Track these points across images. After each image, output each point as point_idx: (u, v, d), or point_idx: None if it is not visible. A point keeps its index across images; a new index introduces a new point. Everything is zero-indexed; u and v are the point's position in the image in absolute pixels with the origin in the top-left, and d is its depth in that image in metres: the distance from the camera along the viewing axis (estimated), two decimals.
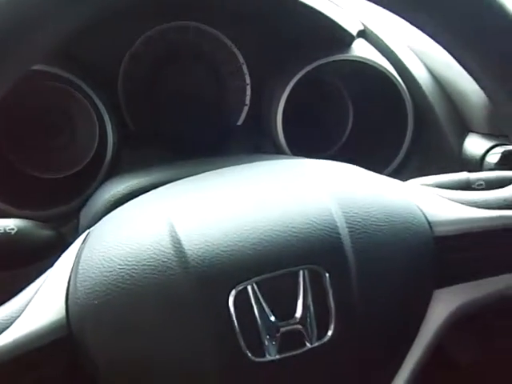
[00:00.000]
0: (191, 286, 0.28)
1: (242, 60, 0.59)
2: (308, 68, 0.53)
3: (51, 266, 0.33)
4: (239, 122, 0.61)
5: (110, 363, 0.29)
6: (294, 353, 0.28)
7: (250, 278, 0.28)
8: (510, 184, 0.38)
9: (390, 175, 0.37)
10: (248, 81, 0.60)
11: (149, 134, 0.56)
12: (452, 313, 0.33)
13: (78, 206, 0.48)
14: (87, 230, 0.34)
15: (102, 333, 0.29)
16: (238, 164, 0.38)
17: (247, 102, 0.60)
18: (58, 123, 0.55)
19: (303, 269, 0.29)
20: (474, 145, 0.53)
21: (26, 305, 0.30)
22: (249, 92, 0.60)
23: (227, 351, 0.28)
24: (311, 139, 0.58)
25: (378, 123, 0.56)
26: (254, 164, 0.36)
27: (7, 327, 0.29)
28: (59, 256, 0.34)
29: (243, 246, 0.29)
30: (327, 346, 0.29)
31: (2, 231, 0.37)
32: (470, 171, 0.45)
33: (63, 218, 0.47)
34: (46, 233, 0.39)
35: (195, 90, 0.59)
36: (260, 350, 0.28)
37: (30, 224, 0.38)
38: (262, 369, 0.28)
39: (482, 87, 0.35)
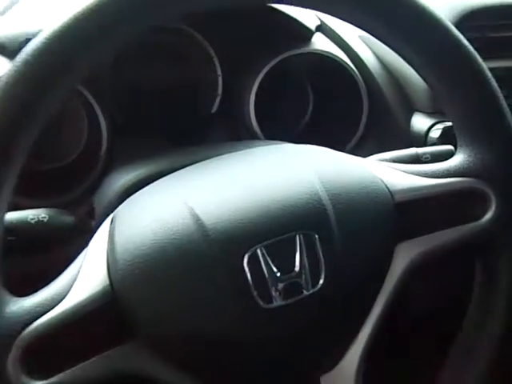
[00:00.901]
0: (213, 253, 0.36)
1: (213, 54, 0.65)
2: (274, 61, 0.61)
3: (81, 247, 0.40)
4: (213, 110, 0.67)
5: (150, 320, 0.36)
6: (295, 299, 0.37)
7: (259, 243, 0.36)
8: (451, 156, 0.47)
9: (348, 153, 0.46)
10: (219, 72, 0.66)
11: (134, 126, 0.62)
12: (411, 261, 0.42)
13: (82, 193, 0.54)
14: (112, 214, 0.41)
15: (142, 295, 0.36)
16: (234, 151, 0.46)
17: (219, 91, 0.67)
18: None
19: (299, 234, 0.37)
20: (419, 123, 0.62)
21: (75, 279, 0.36)
22: (220, 82, 0.66)
23: (243, 301, 0.36)
24: (279, 124, 0.65)
25: (337, 108, 0.65)
26: (251, 150, 0.44)
27: (63, 298, 0.35)
28: (85, 238, 0.41)
29: (252, 218, 0.37)
30: (320, 292, 0.37)
31: (36, 220, 0.43)
32: (416, 147, 0.54)
33: (71, 205, 0.52)
34: (71, 218, 0.45)
35: (172, 83, 0.65)
36: (268, 299, 0.36)
37: (56, 211, 0.44)
38: (270, 314, 0.36)
39: (420, 75, 0.44)
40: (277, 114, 0.66)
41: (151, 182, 0.44)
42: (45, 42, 0.33)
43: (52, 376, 0.34)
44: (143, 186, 0.43)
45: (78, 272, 0.37)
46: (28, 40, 0.52)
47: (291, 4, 0.41)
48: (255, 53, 0.63)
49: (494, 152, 0.42)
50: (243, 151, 0.44)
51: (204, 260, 0.36)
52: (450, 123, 0.59)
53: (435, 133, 0.59)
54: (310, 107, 0.69)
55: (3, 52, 0.53)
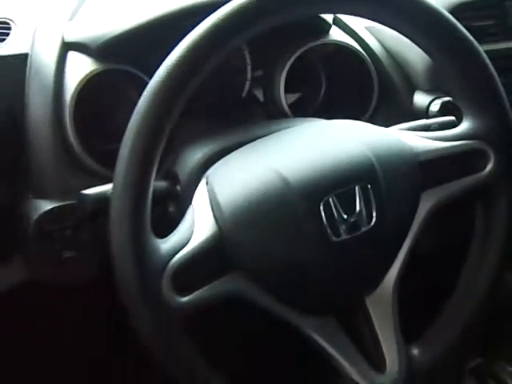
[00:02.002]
0: (296, 201, 0.49)
1: (244, 47, 0.76)
2: (300, 51, 0.73)
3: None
4: (243, 95, 0.79)
5: (249, 254, 0.48)
6: (355, 234, 0.50)
7: (331, 193, 0.49)
8: (453, 125, 0.60)
9: None
10: (249, 61, 0.77)
11: (186, 109, 0.73)
12: (433, 205, 0.55)
13: None
14: (204, 177, 0.53)
15: (243, 237, 0.48)
16: (286, 126, 0.58)
17: (249, 77, 0.78)
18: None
19: (358, 185, 0.50)
20: (420, 99, 0.75)
21: (192, 228, 0.48)
22: (249, 70, 0.78)
23: (320, 236, 0.49)
24: (301, 105, 0.78)
25: (351, 89, 0.77)
26: (310, 124, 0.57)
27: (188, 241, 0.47)
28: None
29: (323, 174, 0.50)
30: (372, 229, 0.50)
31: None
32: (420, 119, 0.67)
33: None
34: (162, 184, 0.57)
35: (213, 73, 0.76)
36: (338, 233, 0.49)
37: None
38: (338, 245, 0.49)
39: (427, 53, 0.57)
40: (299, 97, 0.79)
41: (226, 153, 0.56)
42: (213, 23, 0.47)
43: (191, 294, 0.46)
44: (220, 157, 0.56)
45: (193, 223, 0.49)
46: (109, 40, 0.63)
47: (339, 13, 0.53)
48: (282, 45, 0.75)
49: (491, 119, 0.56)
50: (304, 125, 0.57)
51: (289, 206, 0.49)
52: (446, 98, 0.73)
53: (435, 107, 0.73)
54: (323, 90, 0.81)
55: (87, 52, 0.64)
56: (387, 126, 0.62)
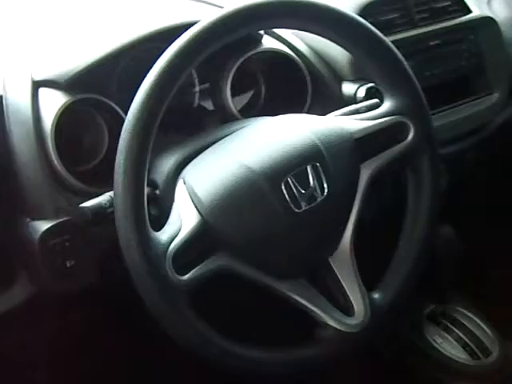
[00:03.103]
0: (263, 185, 0.60)
1: None
2: (240, 61, 0.83)
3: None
4: (195, 105, 0.89)
5: (229, 233, 0.59)
6: (313, 204, 0.61)
7: (289, 174, 0.60)
8: (377, 106, 0.73)
9: None
10: (195, 76, 0.87)
11: None
12: (371, 174, 0.67)
13: None
14: (180, 178, 0.63)
15: (222, 220, 0.59)
16: (242, 126, 0.69)
17: (197, 90, 0.88)
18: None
19: (309, 165, 0.61)
20: (347, 88, 0.87)
21: (180, 220, 0.58)
22: (197, 82, 0.88)
23: (284, 209, 0.60)
24: (249, 106, 0.89)
25: (289, 87, 0.88)
26: (263, 120, 0.68)
27: (179, 230, 0.57)
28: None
29: (281, 160, 0.61)
30: (325, 198, 0.62)
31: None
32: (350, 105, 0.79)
33: None
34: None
35: None
36: (299, 205, 0.60)
37: None
38: (300, 215, 0.60)
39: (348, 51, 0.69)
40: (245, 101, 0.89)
41: (195, 155, 0.66)
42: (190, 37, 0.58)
43: (188, 272, 0.56)
44: (190, 159, 0.66)
45: (179, 216, 0.59)
46: (75, 74, 0.72)
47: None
48: (223, 58, 0.85)
49: (406, 97, 0.69)
50: (257, 123, 0.68)
51: (257, 189, 0.60)
52: (369, 84, 0.85)
53: (361, 93, 0.85)
54: (263, 93, 0.92)
55: (56, 86, 0.72)
56: (324, 115, 0.74)
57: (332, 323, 0.64)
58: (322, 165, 0.62)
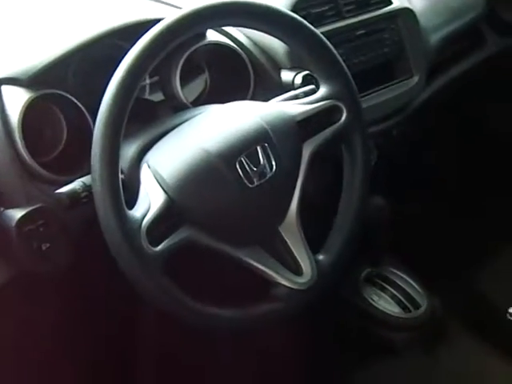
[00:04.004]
0: (219, 165, 0.68)
1: None
2: (187, 53, 0.91)
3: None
4: (145, 96, 0.95)
5: (195, 209, 0.67)
6: (263, 179, 0.70)
7: (242, 154, 0.69)
8: (314, 91, 0.82)
9: None
10: None
11: None
12: (311, 152, 0.77)
13: None
14: (143, 162, 0.70)
15: (185, 196, 0.67)
16: (196, 114, 0.77)
17: (148, 82, 0.95)
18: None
19: (258, 145, 0.70)
20: (286, 75, 0.96)
21: (149, 199, 0.66)
22: (147, 77, 0.94)
23: (239, 184, 0.68)
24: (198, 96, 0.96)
25: (233, 77, 0.97)
26: (216, 108, 0.76)
27: (149, 208, 0.65)
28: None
29: (234, 142, 0.69)
30: (274, 174, 0.71)
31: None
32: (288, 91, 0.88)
33: None
34: None
35: None
36: (252, 181, 0.69)
37: None
38: (253, 190, 0.69)
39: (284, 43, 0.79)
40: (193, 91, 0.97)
41: (155, 141, 0.73)
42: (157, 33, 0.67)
43: (160, 244, 0.64)
44: (151, 145, 0.73)
45: (147, 196, 0.67)
46: (36, 71, 0.77)
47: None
48: (170, 52, 0.91)
49: (338, 83, 0.79)
50: (208, 110, 0.76)
51: (214, 169, 0.68)
52: (305, 72, 0.94)
53: (298, 80, 0.94)
54: (209, 82, 0.99)
55: (19, 83, 0.77)
56: (266, 101, 0.83)
57: (284, 282, 0.74)
58: (270, 145, 0.71)
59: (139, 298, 0.65)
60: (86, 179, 0.72)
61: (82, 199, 0.69)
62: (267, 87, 0.96)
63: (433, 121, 1.28)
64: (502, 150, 1.54)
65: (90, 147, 0.81)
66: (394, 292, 1.17)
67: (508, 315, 0.94)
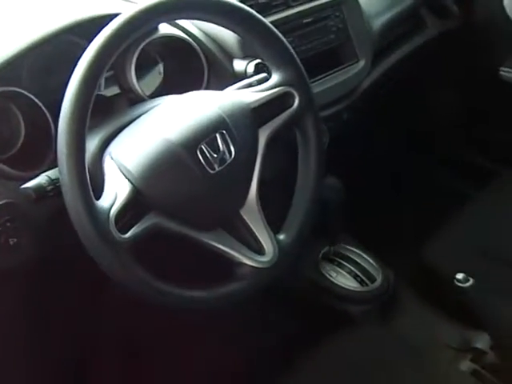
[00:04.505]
0: (181, 153, 0.71)
1: None
2: (141, 46, 0.93)
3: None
4: (101, 91, 0.97)
5: (160, 197, 0.70)
6: (224, 165, 0.74)
7: (202, 141, 0.72)
8: (266, 79, 0.86)
9: None
10: None
11: None
12: (267, 137, 0.81)
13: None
14: (106, 154, 0.73)
15: (152, 185, 0.70)
16: (159, 104, 0.79)
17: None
18: None
19: (217, 133, 0.74)
20: (238, 65, 0.99)
21: (116, 189, 0.68)
22: None
23: (201, 171, 0.72)
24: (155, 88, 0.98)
25: (188, 68, 0.99)
26: (170, 100, 0.78)
27: (116, 197, 0.68)
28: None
29: (194, 131, 0.72)
30: (233, 160, 0.75)
31: None
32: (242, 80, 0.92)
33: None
34: None
35: None
36: (213, 167, 0.73)
37: None
38: (214, 175, 0.73)
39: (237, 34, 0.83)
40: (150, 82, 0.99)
41: (117, 133, 0.76)
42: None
43: (128, 231, 0.67)
44: (113, 137, 0.75)
45: (113, 186, 0.69)
46: None
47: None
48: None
49: (289, 70, 0.83)
50: (167, 101, 0.79)
51: (177, 157, 0.72)
52: (256, 60, 0.98)
53: (250, 68, 0.97)
54: (164, 73, 1.02)
55: None
56: (221, 90, 0.86)
57: (247, 261, 0.78)
58: (228, 132, 0.75)
59: (108, 288, 0.68)
60: (51, 173, 0.73)
61: (49, 193, 0.71)
62: (221, 77, 1.00)
63: (380, 103, 1.34)
64: (442, 128, 1.63)
65: (50, 142, 0.84)
66: (351, 268, 1.23)
67: (455, 281, 1.00)
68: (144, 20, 0.71)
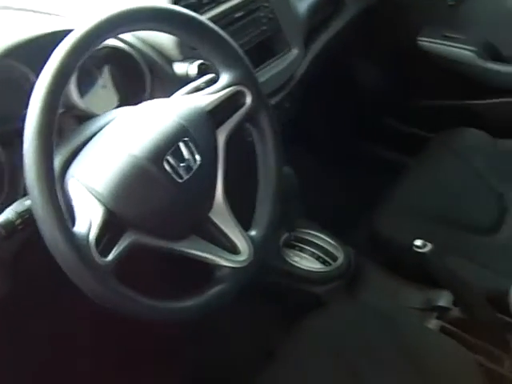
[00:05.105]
0: (148, 166, 0.70)
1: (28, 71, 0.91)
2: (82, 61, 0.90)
3: None
4: None
5: (133, 214, 0.69)
6: (191, 173, 0.74)
7: (167, 152, 0.71)
8: (214, 80, 0.86)
9: None
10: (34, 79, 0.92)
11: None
12: (225, 136, 0.81)
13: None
14: (70, 177, 0.71)
15: (124, 203, 0.69)
16: (111, 119, 0.78)
17: None
18: None
19: (180, 141, 0.73)
20: (179, 68, 0.99)
21: (90, 215, 0.67)
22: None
23: (170, 182, 0.71)
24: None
25: (130, 77, 0.97)
26: (124, 113, 0.77)
27: (92, 222, 0.66)
28: None
29: (158, 142, 0.72)
30: (199, 166, 0.75)
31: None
32: (185, 84, 0.91)
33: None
34: None
35: None
36: (181, 176, 0.73)
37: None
38: (182, 184, 0.73)
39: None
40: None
41: (76, 154, 0.74)
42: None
43: (110, 253, 0.66)
44: (73, 158, 0.74)
45: (86, 210, 0.68)
46: None
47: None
48: None
49: (238, 68, 0.84)
50: (124, 114, 0.77)
51: (144, 171, 0.71)
52: (197, 61, 0.97)
53: (192, 70, 0.97)
54: (108, 85, 0.99)
55: None
56: (168, 96, 0.86)
57: (225, 263, 0.79)
58: (190, 139, 0.75)
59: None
60: (15, 207, 0.71)
61: (18, 227, 0.69)
62: (164, 82, 0.99)
63: (316, 87, 1.37)
64: (374, 104, 1.70)
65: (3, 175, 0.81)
66: (313, 250, 1.27)
67: (414, 247, 1.05)
68: (96, 36, 0.70)
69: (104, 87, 0.97)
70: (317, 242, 1.29)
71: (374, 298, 1.23)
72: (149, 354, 1.09)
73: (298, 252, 1.27)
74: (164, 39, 0.98)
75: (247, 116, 0.85)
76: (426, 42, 1.70)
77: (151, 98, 0.97)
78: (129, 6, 0.73)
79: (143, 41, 0.98)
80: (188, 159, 0.74)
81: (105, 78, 0.97)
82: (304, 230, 1.30)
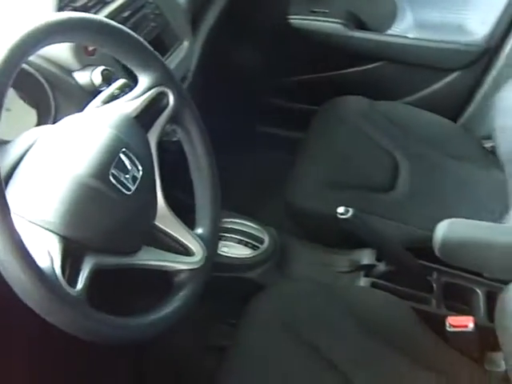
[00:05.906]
0: (95, 184, 0.67)
1: None
2: None
3: None
4: None
5: (89, 236, 0.66)
6: (137, 182, 0.71)
7: (110, 165, 0.68)
8: (127, 85, 0.83)
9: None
10: None
11: None
12: (157, 137, 0.79)
13: None
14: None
15: (79, 227, 0.65)
16: (36, 140, 0.72)
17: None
18: None
19: (119, 153, 0.70)
20: (80, 77, 0.93)
21: (46, 248, 0.62)
22: None
23: (119, 195, 0.69)
24: None
25: (36, 99, 0.90)
26: (46, 135, 0.72)
27: (53, 261, 0.62)
28: None
29: (99, 158, 0.68)
30: (143, 174, 0.72)
31: None
32: (93, 93, 0.87)
33: None
34: None
35: None
36: (128, 188, 0.70)
37: None
38: (131, 196, 0.70)
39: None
40: None
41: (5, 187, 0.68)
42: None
43: (77, 282, 0.62)
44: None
45: (41, 243, 0.63)
46: None
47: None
48: None
49: (157, 70, 0.81)
50: (47, 134, 0.72)
51: (92, 189, 0.67)
52: (100, 68, 0.93)
53: (96, 79, 0.93)
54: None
55: None
56: (81, 110, 0.81)
57: (183, 267, 0.78)
58: (129, 149, 0.72)
59: None
60: None
61: None
62: (70, 95, 0.93)
63: (209, 78, 1.37)
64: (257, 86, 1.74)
65: None
66: (239, 237, 1.28)
67: (338, 215, 1.10)
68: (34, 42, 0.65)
69: (8, 110, 0.89)
70: (240, 228, 1.30)
71: (306, 270, 1.28)
72: (92, 354, 1.04)
73: (226, 242, 1.27)
74: (58, 49, 0.92)
75: (172, 116, 0.83)
76: (296, 19, 1.77)
77: (57, 112, 0.92)
78: (38, 22, 0.67)
79: (38, 55, 0.92)
80: (131, 169, 0.71)
81: (9, 100, 0.89)
82: (226, 220, 1.30)
